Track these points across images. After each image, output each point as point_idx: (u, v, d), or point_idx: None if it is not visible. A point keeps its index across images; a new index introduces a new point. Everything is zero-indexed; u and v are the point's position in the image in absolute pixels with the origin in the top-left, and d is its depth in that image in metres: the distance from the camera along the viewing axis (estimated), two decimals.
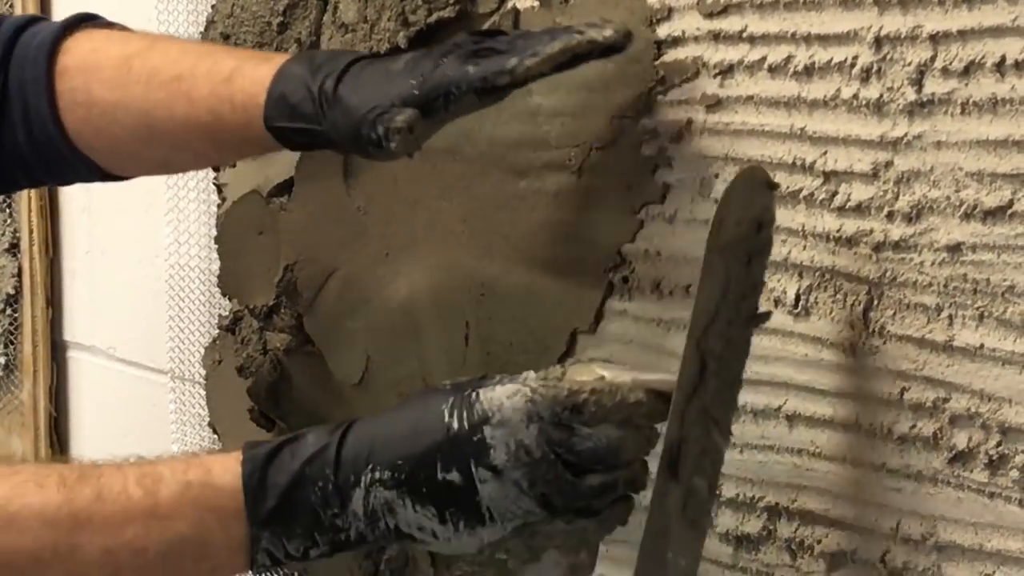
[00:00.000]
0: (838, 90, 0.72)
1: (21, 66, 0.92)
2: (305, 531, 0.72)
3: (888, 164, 0.70)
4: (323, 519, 0.71)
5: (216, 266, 1.22)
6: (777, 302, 0.76)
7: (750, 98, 0.77)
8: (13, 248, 1.61)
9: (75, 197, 1.53)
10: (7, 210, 1.61)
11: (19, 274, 1.60)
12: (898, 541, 0.71)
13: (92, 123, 0.91)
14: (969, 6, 0.66)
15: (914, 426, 0.70)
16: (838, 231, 0.72)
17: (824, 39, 0.72)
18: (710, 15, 0.78)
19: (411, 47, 0.95)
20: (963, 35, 0.66)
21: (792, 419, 0.76)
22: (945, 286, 0.68)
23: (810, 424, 0.75)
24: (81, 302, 1.56)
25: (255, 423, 1.16)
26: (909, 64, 0.68)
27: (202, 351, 1.28)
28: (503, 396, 0.69)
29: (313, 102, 0.82)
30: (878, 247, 0.71)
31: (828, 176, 0.73)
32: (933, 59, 0.67)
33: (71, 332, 1.58)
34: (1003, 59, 0.65)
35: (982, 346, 0.66)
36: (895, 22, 0.69)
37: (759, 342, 0.76)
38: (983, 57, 0.65)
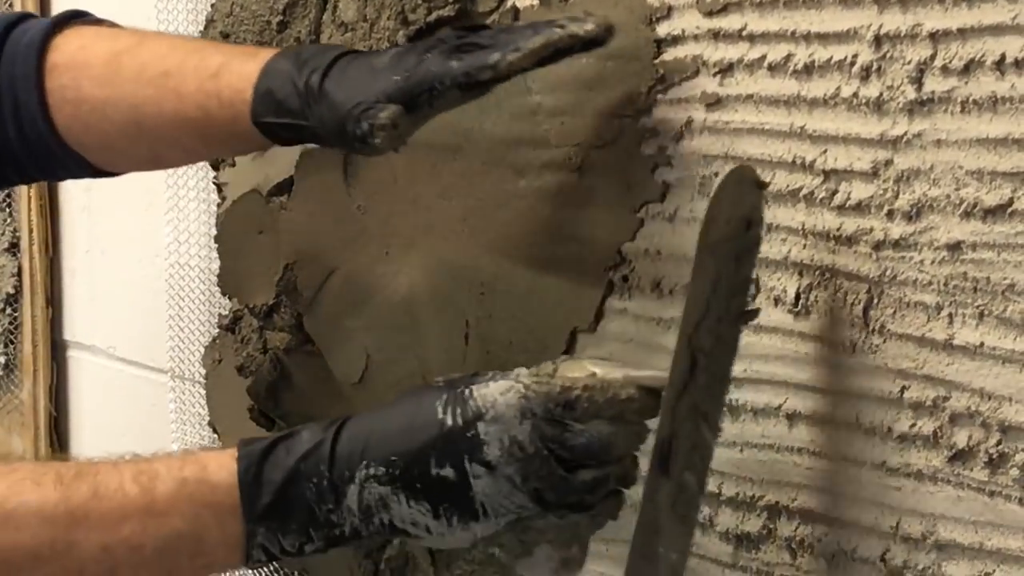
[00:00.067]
0: (838, 88, 0.72)
1: (11, 63, 0.92)
2: (300, 527, 0.72)
3: (888, 163, 0.70)
4: (318, 515, 0.72)
5: (216, 265, 1.22)
6: (777, 301, 0.76)
7: (750, 97, 0.77)
8: (13, 247, 1.61)
9: (75, 196, 1.53)
10: (7, 209, 1.61)
11: (19, 273, 1.60)
12: (898, 540, 0.71)
13: (82, 120, 0.92)
14: (969, 4, 0.66)
15: (914, 425, 0.70)
16: (838, 230, 0.72)
17: (824, 37, 0.72)
18: (710, 13, 0.78)
19: None
20: (963, 33, 0.66)
21: (792, 418, 0.76)
22: (945, 284, 0.68)
23: (810, 423, 0.75)
24: (81, 301, 1.56)
25: (255, 422, 1.16)
26: (909, 62, 0.68)
27: (202, 350, 1.28)
28: (496, 392, 0.70)
29: (299, 97, 0.83)
30: (878, 245, 0.71)
31: (828, 175, 0.73)
32: (933, 57, 0.67)
33: (71, 331, 1.58)
34: (1003, 57, 0.65)
35: (982, 344, 0.66)
36: (895, 20, 0.69)
37: (760, 341, 0.77)
38: (983, 55, 0.65)
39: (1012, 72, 0.64)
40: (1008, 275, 0.65)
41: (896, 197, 0.70)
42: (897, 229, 0.70)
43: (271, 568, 1.19)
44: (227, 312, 1.21)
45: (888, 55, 0.69)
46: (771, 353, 0.76)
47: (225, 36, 1.16)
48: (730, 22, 0.77)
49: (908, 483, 0.70)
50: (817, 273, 0.74)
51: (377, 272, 1.02)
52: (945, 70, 0.67)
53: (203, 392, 1.28)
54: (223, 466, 0.73)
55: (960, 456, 0.68)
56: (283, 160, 1.11)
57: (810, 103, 0.73)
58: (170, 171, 1.30)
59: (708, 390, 0.71)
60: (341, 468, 0.71)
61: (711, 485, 0.80)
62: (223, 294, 1.22)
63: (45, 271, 1.58)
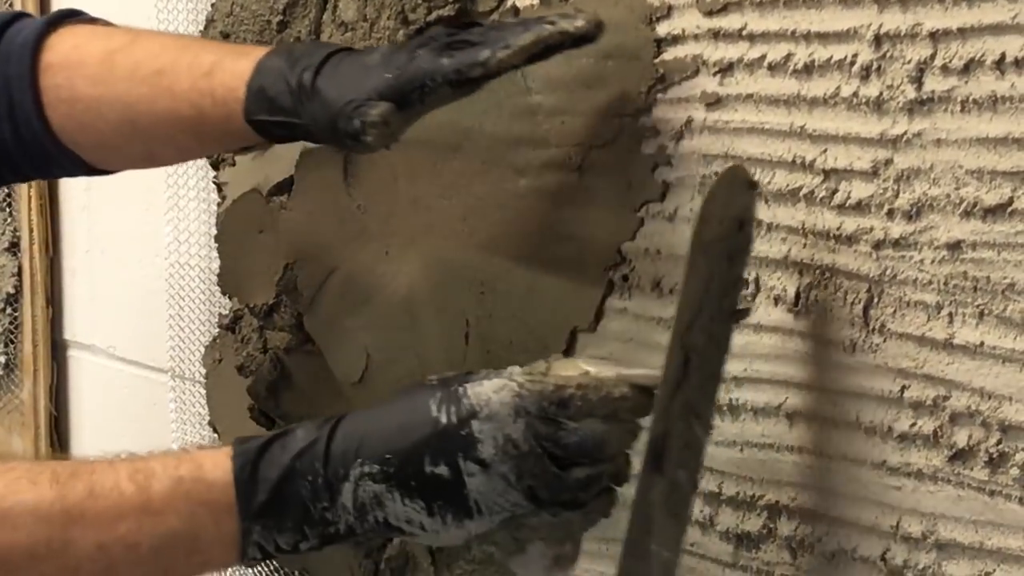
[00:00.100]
0: (838, 88, 0.72)
1: (6, 63, 0.93)
2: (295, 524, 0.72)
3: (888, 162, 0.70)
4: (313, 513, 0.72)
5: (216, 265, 1.22)
6: (777, 300, 0.76)
7: (750, 96, 0.77)
8: (13, 247, 1.61)
9: (75, 195, 1.53)
10: (7, 209, 1.61)
11: (19, 273, 1.60)
12: (898, 539, 0.71)
13: (76, 118, 0.92)
14: (969, 4, 0.66)
15: (914, 424, 0.70)
16: (838, 229, 0.72)
17: (824, 37, 0.72)
18: (710, 13, 0.78)
19: None
20: (963, 33, 0.66)
21: (792, 417, 0.76)
22: (945, 284, 0.68)
23: (810, 422, 0.75)
24: (81, 301, 1.56)
25: (255, 422, 1.16)
26: (909, 62, 0.68)
27: (202, 350, 1.28)
28: (490, 391, 0.70)
29: (291, 95, 0.83)
30: (878, 245, 0.71)
31: (828, 174, 0.73)
32: (933, 57, 0.67)
33: (71, 331, 1.58)
34: (1003, 57, 0.65)
35: (982, 344, 0.66)
36: (895, 20, 0.69)
37: (760, 340, 0.77)
38: (983, 55, 0.65)
39: (1012, 71, 0.64)
40: (1008, 274, 0.65)
41: (896, 196, 0.70)
42: (897, 228, 0.70)
43: (271, 568, 1.19)
44: (227, 312, 1.21)
45: (888, 54, 0.69)
46: (771, 352, 0.76)
47: (225, 36, 1.16)
48: (730, 21, 0.77)
49: (908, 482, 0.70)
50: (817, 272, 0.74)
51: (377, 272, 1.02)
52: (945, 69, 0.67)
53: (203, 392, 1.28)
54: (219, 464, 0.73)
55: (960, 455, 0.68)
56: (283, 160, 1.11)
57: (810, 102, 0.73)
58: (170, 171, 1.30)
59: (701, 388, 0.72)
60: (336, 466, 0.72)
61: (711, 484, 0.80)
62: (223, 294, 1.22)
63: (45, 271, 1.58)
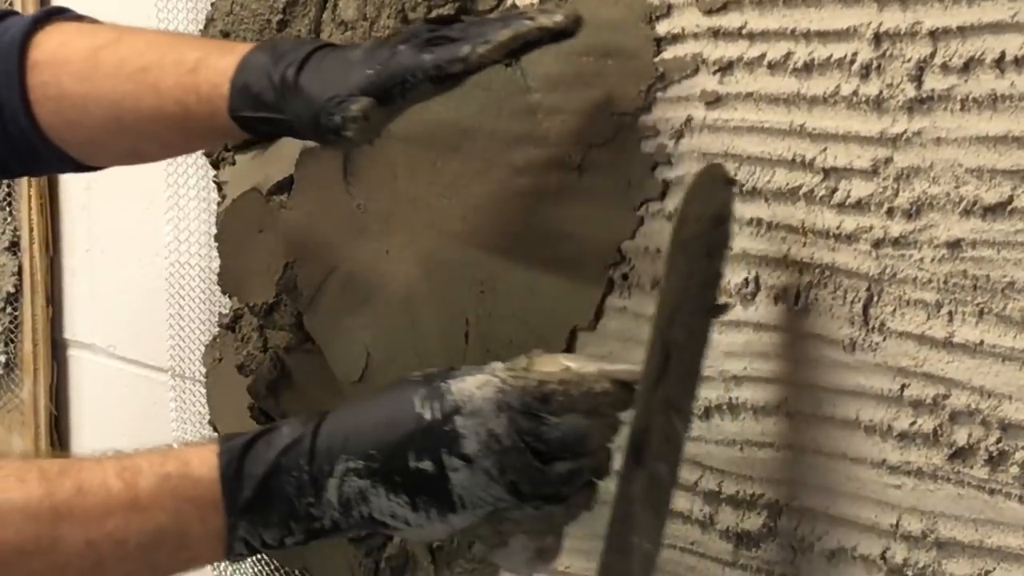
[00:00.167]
0: (838, 86, 0.72)
1: None
2: (281, 520, 0.73)
3: (888, 160, 0.70)
4: (298, 508, 0.72)
5: (216, 264, 1.22)
6: (777, 298, 0.76)
7: (750, 95, 0.77)
8: (13, 246, 1.61)
9: (75, 195, 1.53)
10: (7, 208, 1.61)
11: (19, 272, 1.60)
12: (898, 538, 0.71)
13: (63, 116, 0.93)
14: (969, 2, 0.66)
15: (914, 422, 0.70)
16: (838, 227, 0.72)
17: (823, 35, 0.72)
18: (709, 12, 0.78)
19: None
20: (963, 31, 0.66)
21: (792, 416, 0.76)
22: (945, 282, 0.68)
23: (810, 421, 0.75)
24: (81, 300, 1.56)
25: (255, 421, 1.16)
26: (909, 60, 0.68)
27: (202, 349, 1.28)
28: (473, 386, 0.71)
29: (275, 91, 0.84)
30: (878, 243, 0.71)
31: (828, 172, 0.73)
32: (933, 55, 0.67)
33: (71, 330, 1.58)
34: (1003, 55, 0.65)
35: (982, 342, 0.66)
36: (894, 18, 0.69)
37: (759, 339, 0.77)
38: (983, 53, 0.65)
39: (1012, 70, 0.64)
40: (1008, 273, 0.65)
41: (896, 195, 0.70)
42: (897, 227, 0.70)
43: (272, 567, 1.19)
44: (227, 311, 1.21)
45: (888, 53, 0.69)
46: (771, 351, 0.76)
47: (225, 35, 1.16)
48: (730, 20, 0.77)
49: (908, 481, 0.70)
50: (817, 271, 0.74)
51: (377, 271, 1.02)
52: (945, 68, 0.67)
53: (203, 391, 1.28)
54: (204, 461, 0.73)
55: (960, 454, 0.68)
56: (283, 159, 1.11)
57: (810, 101, 0.73)
58: (170, 170, 1.30)
59: (680, 383, 0.73)
60: (321, 462, 0.72)
61: (711, 483, 0.80)
62: (223, 293, 1.22)
63: (45, 270, 1.58)
